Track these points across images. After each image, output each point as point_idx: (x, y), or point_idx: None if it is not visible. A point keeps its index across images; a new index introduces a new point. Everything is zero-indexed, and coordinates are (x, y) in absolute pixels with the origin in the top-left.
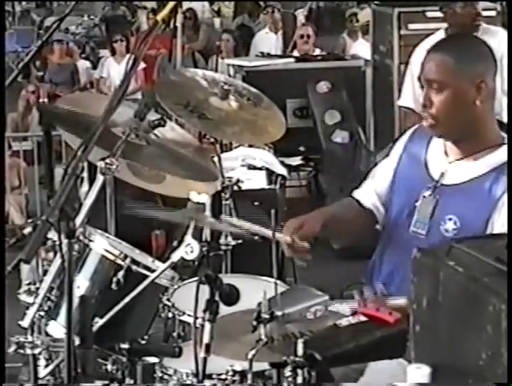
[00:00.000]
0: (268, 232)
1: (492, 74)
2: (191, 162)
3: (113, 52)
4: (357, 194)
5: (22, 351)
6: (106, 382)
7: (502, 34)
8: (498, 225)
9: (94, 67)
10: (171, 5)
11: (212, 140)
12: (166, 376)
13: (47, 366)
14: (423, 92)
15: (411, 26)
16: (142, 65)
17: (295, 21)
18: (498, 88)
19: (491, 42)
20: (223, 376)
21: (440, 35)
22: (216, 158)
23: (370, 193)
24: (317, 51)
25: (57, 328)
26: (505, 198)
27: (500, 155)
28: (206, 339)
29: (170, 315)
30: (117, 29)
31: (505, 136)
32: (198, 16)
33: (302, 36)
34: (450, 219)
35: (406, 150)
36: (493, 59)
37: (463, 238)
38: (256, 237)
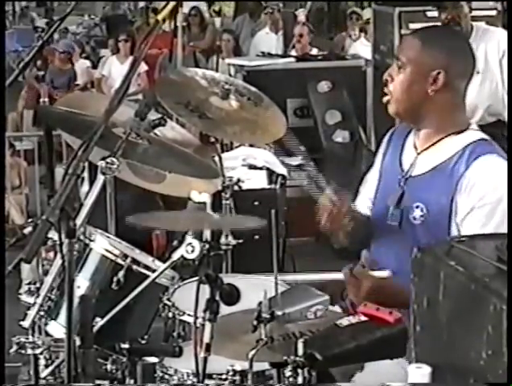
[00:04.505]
0: None
1: (461, 72)
2: (193, 160)
3: (117, 51)
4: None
5: (23, 351)
6: (107, 382)
7: (502, 34)
8: (464, 205)
9: (94, 66)
10: (171, 5)
11: (213, 140)
12: (166, 376)
13: (47, 366)
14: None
15: (412, 25)
16: (145, 67)
17: (295, 21)
18: (472, 91)
19: (488, 44)
20: (223, 376)
21: None
22: (216, 158)
23: (364, 200)
24: (314, 51)
25: (57, 328)
26: (466, 176)
27: (462, 139)
28: (206, 339)
29: (170, 315)
30: (117, 28)
31: (472, 121)
32: (204, 15)
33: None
34: (417, 207)
35: (387, 150)
36: (472, 59)
37: (463, 237)
38: (256, 237)
